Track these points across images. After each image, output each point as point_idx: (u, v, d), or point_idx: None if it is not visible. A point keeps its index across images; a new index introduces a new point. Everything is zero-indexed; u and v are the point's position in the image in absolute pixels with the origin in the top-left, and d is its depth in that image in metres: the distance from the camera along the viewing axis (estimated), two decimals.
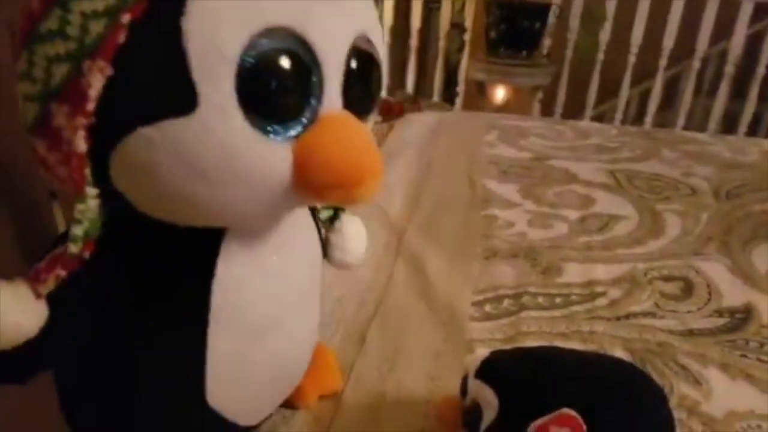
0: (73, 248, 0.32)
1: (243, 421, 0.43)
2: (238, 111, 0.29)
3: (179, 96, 0.28)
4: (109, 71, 0.28)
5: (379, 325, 0.62)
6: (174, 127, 0.29)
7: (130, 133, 0.29)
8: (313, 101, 0.32)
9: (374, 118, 0.39)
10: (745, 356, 0.58)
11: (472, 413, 0.42)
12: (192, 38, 0.28)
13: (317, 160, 0.31)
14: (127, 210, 0.33)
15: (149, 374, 0.38)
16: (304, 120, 0.32)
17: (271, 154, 0.31)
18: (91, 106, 0.29)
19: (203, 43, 0.28)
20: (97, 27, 0.28)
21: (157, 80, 0.29)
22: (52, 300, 0.33)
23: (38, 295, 0.32)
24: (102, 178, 0.32)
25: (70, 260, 0.32)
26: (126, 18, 0.28)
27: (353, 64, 0.34)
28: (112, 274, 0.35)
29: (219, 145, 0.30)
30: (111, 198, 0.33)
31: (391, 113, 2.12)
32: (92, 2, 0.28)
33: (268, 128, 0.30)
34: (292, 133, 0.31)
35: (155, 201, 0.33)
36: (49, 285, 0.32)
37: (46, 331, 0.33)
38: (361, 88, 0.35)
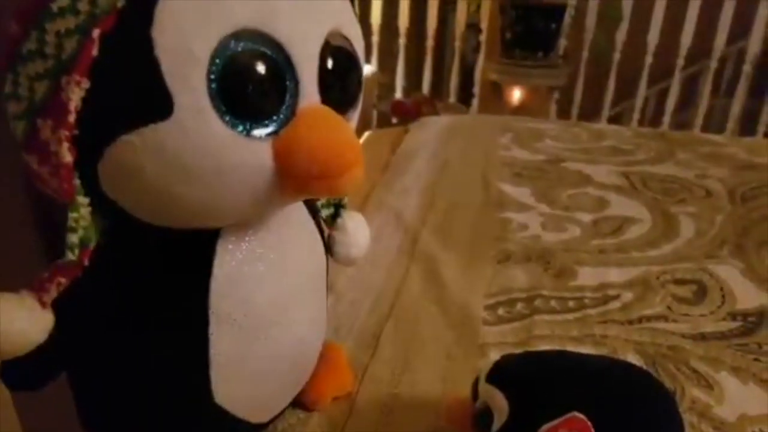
0: (71, 256, 0.33)
1: (254, 418, 0.44)
2: (213, 112, 0.30)
3: (155, 102, 0.30)
4: (86, 84, 0.30)
5: (392, 327, 0.62)
6: (154, 133, 0.30)
7: (113, 141, 0.31)
8: (288, 98, 0.33)
9: (357, 112, 0.40)
10: (757, 360, 0.58)
11: (482, 416, 0.42)
12: (162, 46, 0.29)
13: (298, 152, 0.33)
14: (122, 217, 0.35)
15: (155, 377, 0.39)
16: (282, 116, 0.33)
17: (251, 151, 0.32)
18: (72, 118, 0.30)
19: (173, 50, 0.29)
20: (70, 44, 0.30)
21: (132, 89, 0.30)
22: (60, 308, 0.34)
23: (43, 304, 0.34)
24: (93, 187, 0.33)
25: (70, 268, 0.34)
26: (96, 33, 0.29)
27: (329, 60, 0.35)
28: (113, 280, 0.37)
29: (199, 146, 0.31)
30: (105, 206, 0.34)
31: (407, 115, 2.13)
32: (65, 21, 0.30)
33: (246, 127, 0.31)
34: (271, 129, 0.32)
35: (145, 205, 0.34)
36: (52, 293, 0.34)
37: (54, 338, 0.34)
38: (339, 84, 0.36)
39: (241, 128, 0.31)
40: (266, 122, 0.32)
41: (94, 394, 0.42)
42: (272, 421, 0.47)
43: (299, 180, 0.33)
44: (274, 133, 0.33)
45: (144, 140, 0.30)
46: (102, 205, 0.34)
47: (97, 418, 0.43)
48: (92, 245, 0.35)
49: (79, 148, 0.31)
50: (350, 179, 0.34)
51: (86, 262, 0.34)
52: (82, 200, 0.33)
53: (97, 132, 0.31)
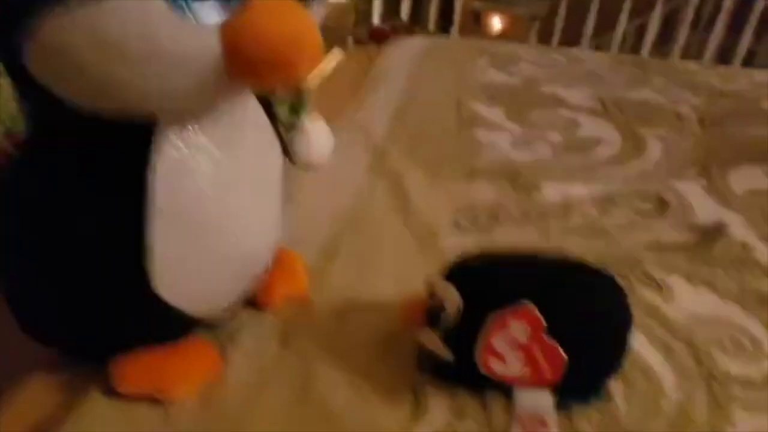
0: None
1: (199, 312, 0.42)
2: None
3: None
4: None
5: (353, 237, 0.62)
6: (84, 9, 0.29)
7: (39, 19, 0.29)
8: None
9: (321, 6, 0.38)
10: (710, 268, 0.60)
11: (436, 311, 0.43)
12: None
13: (249, 34, 0.31)
14: (54, 102, 0.33)
15: (90, 268, 0.38)
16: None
17: (195, 35, 0.31)
18: None
19: None
20: None
21: None
22: None
23: None
24: (23, 73, 0.32)
25: None
26: None
27: None
28: (47, 169, 0.36)
29: (136, 27, 0.29)
30: (35, 92, 0.33)
31: (387, 39, 2.07)
32: None
33: (188, 8, 0.30)
34: (217, 11, 0.31)
35: (82, 92, 0.33)
36: None
37: None
38: None
39: (182, 10, 0.30)
40: (210, 4, 0.31)
41: (27, 287, 0.41)
42: (225, 319, 0.47)
43: (249, 65, 0.32)
44: (222, 17, 0.31)
45: (74, 19, 0.29)
46: (33, 91, 0.33)
47: (30, 312, 0.42)
48: (20, 132, 0.33)
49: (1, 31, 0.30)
50: (306, 68, 0.32)
51: (11, 149, 0.33)
52: (3, 82, 0.32)
53: (21, 10, 0.29)
